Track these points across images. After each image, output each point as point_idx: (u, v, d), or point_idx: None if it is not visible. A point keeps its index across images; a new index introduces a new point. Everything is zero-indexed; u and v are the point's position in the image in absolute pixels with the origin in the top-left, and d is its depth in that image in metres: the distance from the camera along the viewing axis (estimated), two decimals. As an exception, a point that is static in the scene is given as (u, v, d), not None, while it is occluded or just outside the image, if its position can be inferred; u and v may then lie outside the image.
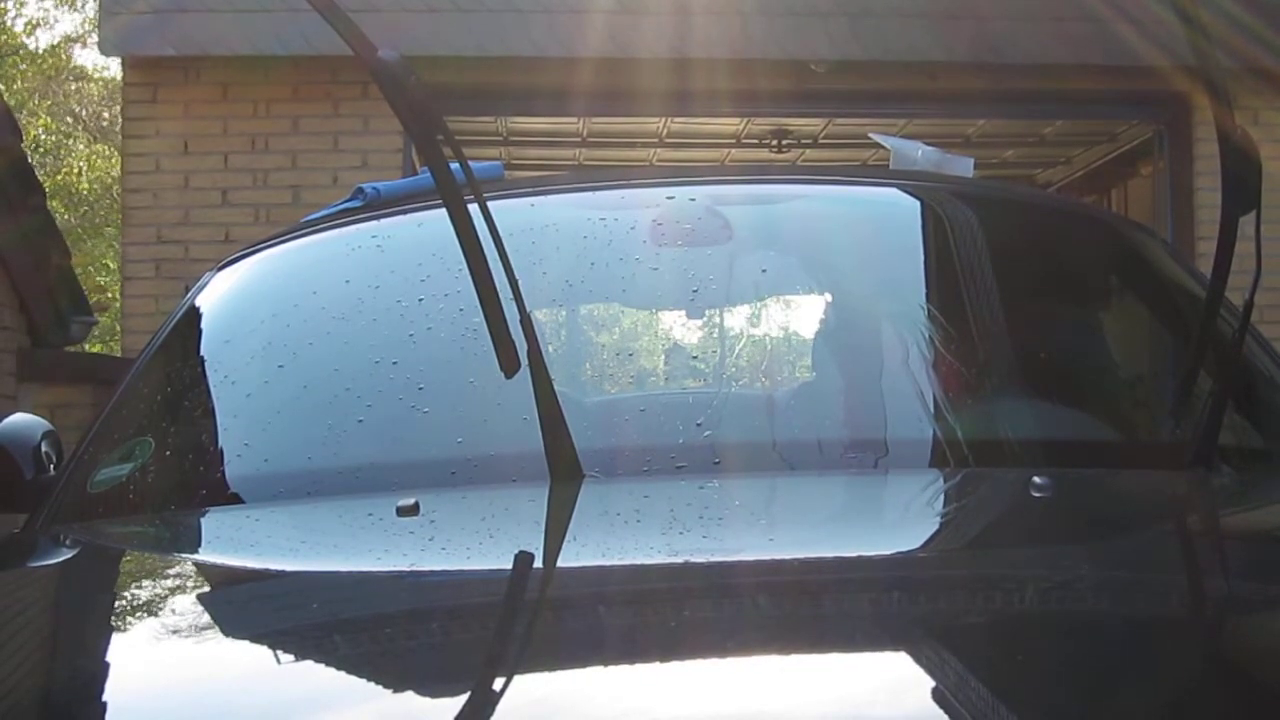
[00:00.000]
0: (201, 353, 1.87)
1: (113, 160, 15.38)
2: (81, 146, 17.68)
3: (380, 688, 0.88)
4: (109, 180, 15.84)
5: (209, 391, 1.78)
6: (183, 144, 5.81)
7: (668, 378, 1.65)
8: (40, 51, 17.39)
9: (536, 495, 1.40)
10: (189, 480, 1.61)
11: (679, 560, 1.13)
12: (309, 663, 0.96)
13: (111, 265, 15.27)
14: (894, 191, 2.18)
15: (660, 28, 5.78)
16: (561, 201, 1.99)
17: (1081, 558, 1.14)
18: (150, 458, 1.65)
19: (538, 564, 1.16)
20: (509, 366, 1.26)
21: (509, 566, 1.17)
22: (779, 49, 5.88)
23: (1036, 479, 1.33)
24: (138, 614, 1.10)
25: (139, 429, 1.76)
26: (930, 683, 0.82)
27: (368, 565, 1.21)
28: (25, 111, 15.41)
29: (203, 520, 1.52)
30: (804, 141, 7.65)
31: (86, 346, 7.53)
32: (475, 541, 1.31)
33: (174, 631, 1.03)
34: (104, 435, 1.76)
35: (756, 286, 1.73)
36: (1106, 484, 1.51)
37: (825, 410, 1.66)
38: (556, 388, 1.29)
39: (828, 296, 1.77)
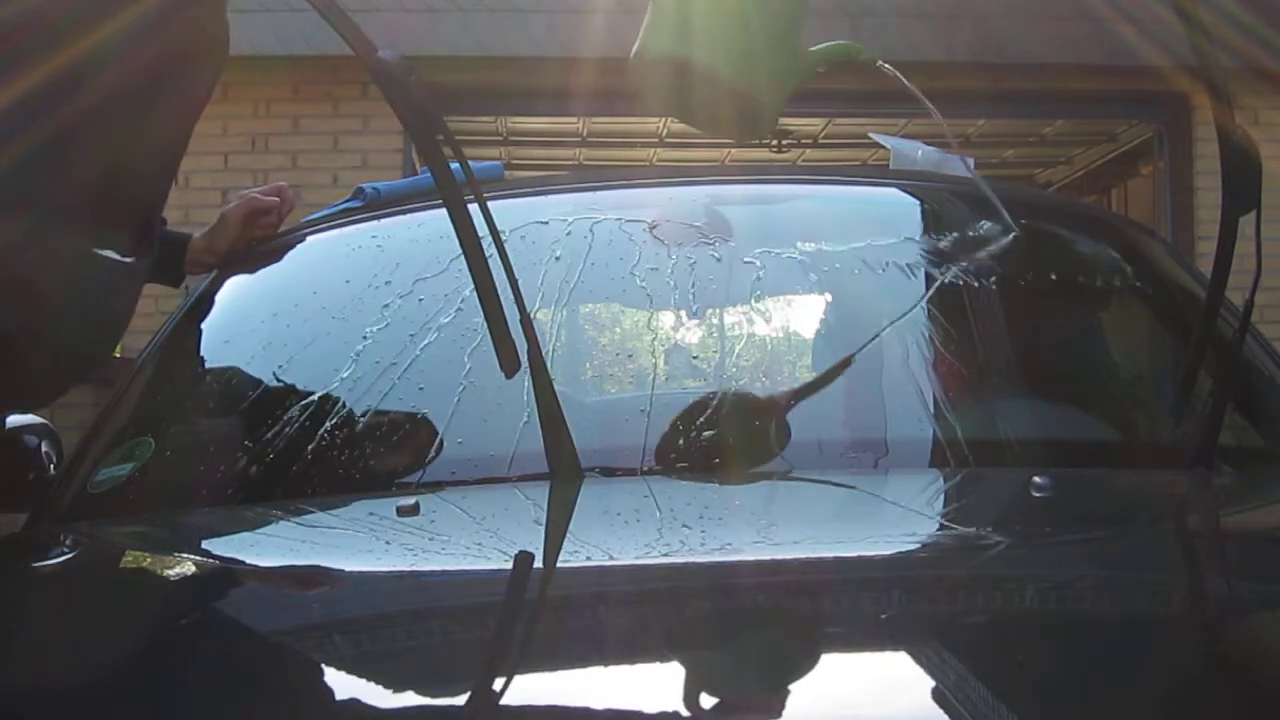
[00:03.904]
0: (201, 353, 1.87)
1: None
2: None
3: (380, 688, 0.88)
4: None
5: (209, 391, 1.78)
6: (183, 144, 5.81)
7: (668, 377, 1.64)
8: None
9: (536, 495, 1.40)
10: (189, 480, 1.61)
11: (679, 560, 1.13)
12: (309, 663, 0.96)
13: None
14: (894, 191, 2.18)
15: (660, 28, 5.77)
16: (561, 201, 1.99)
17: (1081, 558, 1.14)
18: (150, 458, 1.65)
19: (538, 564, 1.16)
20: (509, 366, 1.26)
21: (509, 566, 1.17)
22: (779, 49, 5.87)
23: (1036, 479, 1.33)
24: (138, 614, 1.10)
25: (139, 429, 1.76)
26: (930, 683, 0.82)
27: (368, 565, 1.21)
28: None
29: (203, 520, 1.52)
30: (804, 141, 7.65)
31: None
32: (475, 541, 1.31)
33: (174, 631, 1.03)
34: (104, 435, 1.76)
35: (756, 286, 1.73)
36: (1106, 484, 1.51)
37: (825, 410, 1.66)
38: (556, 388, 1.29)
39: (828, 296, 1.77)
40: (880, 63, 1.39)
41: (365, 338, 1.68)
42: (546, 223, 1.85)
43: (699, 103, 1.66)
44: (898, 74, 1.29)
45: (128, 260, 1.71)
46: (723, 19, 1.62)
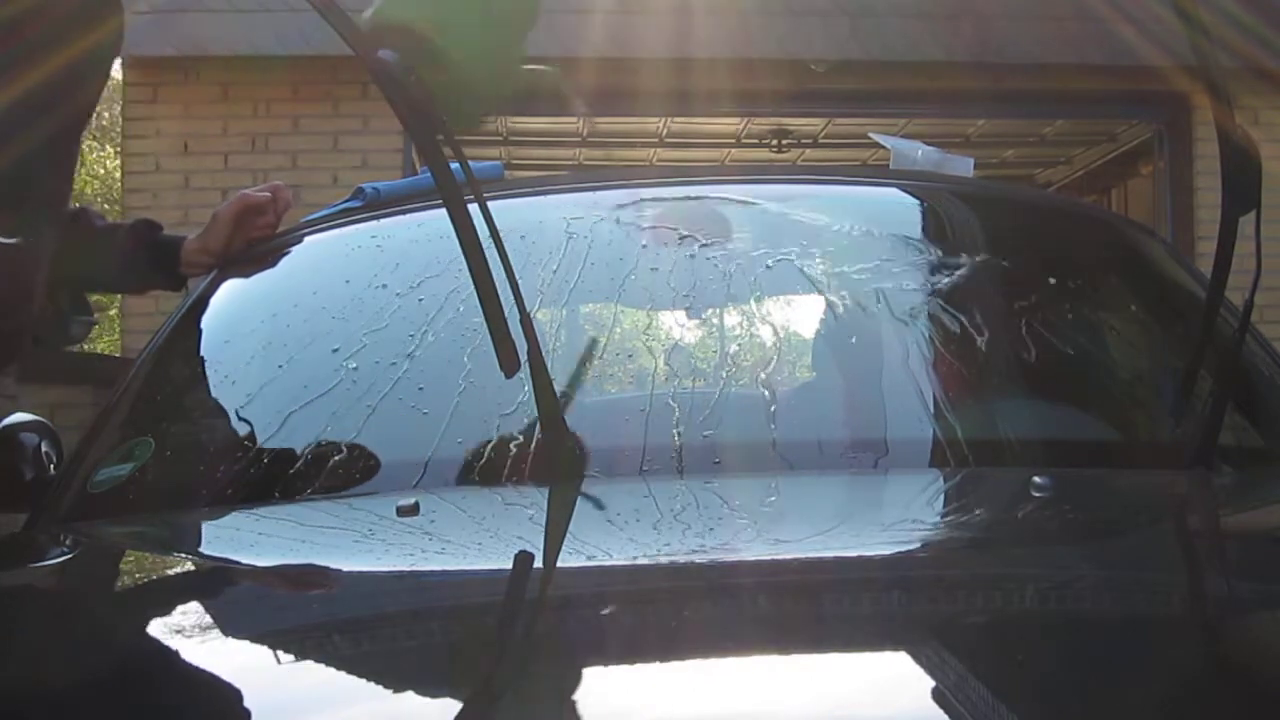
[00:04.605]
0: (201, 353, 1.87)
1: (113, 159, 15.39)
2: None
3: (380, 688, 0.88)
4: (106, 178, 15.84)
5: (209, 391, 1.78)
6: (183, 144, 5.82)
7: (668, 377, 1.64)
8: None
9: (536, 495, 1.40)
10: (189, 480, 1.61)
11: (679, 560, 1.13)
12: (309, 663, 0.96)
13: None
14: (894, 191, 2.18)
15: (660, 28, 5.78)
16: (562, 201, 1.99)
17: (1081, 558, 1.14)
18: (150, 458, 1.65)
19: (538, 564, 1.16)
20: (509, 367, 1.26)
21: (509, 566, 1.17)
22: (779, 49, 5.88)
23: (1036, 479, 1.33)
24: (137, 614, 1.10)
25: (139, 429, 1.76)
26: (930, 683, 0.82)
27: (368, 565, 1.21)
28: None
29: (203, 520, 1.52)
30: (804, 141, 7.65)
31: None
32: (475, 541, 1.31)
33: (174, 631, 1.03)
34: (104, 435, 1.76)
35: (756, 286, 1.74)
36: (1106, 484, 1.51)
37: (825, 410, 1.66)
38: (556, 388, 1.29)
39: (828, 296, 1.77)
40: (576, 100, 1.42)
41: (365, 338, 1.68)
42: (546, 222, 1.85)
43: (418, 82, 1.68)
44: (588, 111, 1.29)
45: (12, 241, 1.73)
46: (464, 6, 1.62)
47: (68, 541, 1.53)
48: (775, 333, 1.67)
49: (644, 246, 1.78)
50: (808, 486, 1.47)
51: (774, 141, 7.57)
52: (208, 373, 1.82)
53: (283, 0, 5.49)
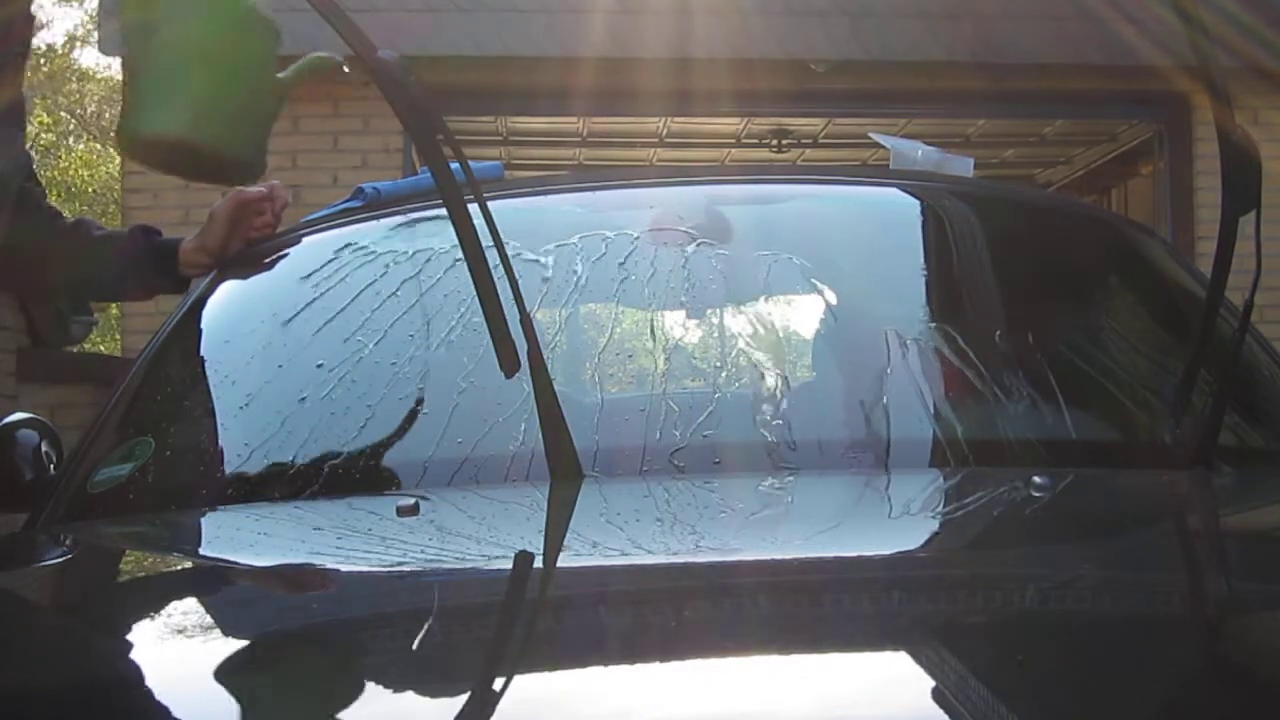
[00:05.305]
0: (201, 353, 1.87)
1: (111, 159, 15.41)
2: (81, 146, 17.69)
3: (380, 688, 0.88)
4: (105, 178, 15.86)
5: (209, 391, 1.78)
6: (183, 144, 5.80)
7: (667, 377, 1.65)
8: (42, 49, 17.41)
9: (536, 495, 1.40)
10: (189, 480, 1.61)
11: (679, 560, 1.13)
12: (309, 663, 0.96)
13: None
14: (894, 191, 2.18)
15: (660, 28, 5.78)
16: (561, 201, 1.99)
17: (1081, 558, 1.14)
18: (150, 458, 1.65)
19: (538, 564, 1.16)
20: (509, 366, 1.26)
21: (509, 566, 1.17)
22: (779, 49, 5.88)
23: (1036, 479, 1.33)
24: (137, 614, 1.10)
25: (139, 429, 1.76)
26: (930, 683, 0.82)
27: (368, 565, 1.22)
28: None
29: (203, 520, 1.52)
30: (804, 141, 7.65)
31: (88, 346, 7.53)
32: (475, 541, 1.31)
33: (174, 631, 1.03)
34: (104, 435, 1.76)
35: (756, 286, 1.74)
36: (1106, 484, 1.51)
37: (825, 410, 1.66)
38: (556, 388, 1.29)
39: (828, 296, 1.77)
40: (345, 68, 1.55)
41: (365, 338, 1.68)
42: (545, 223, 1.85)
43: (197, 164, 1.89)
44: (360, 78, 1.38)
45: None
46: (200, 94, 1.79)
47: (68, 541, 1.53)
48: (775, 333, 1.67)
49: (643, 243, 1.78)
50: (808, 486, 1.47)
51: (774, 141, 7.57)
52: (207, 373, 1.82)
53: (283, 0, 5.48)
